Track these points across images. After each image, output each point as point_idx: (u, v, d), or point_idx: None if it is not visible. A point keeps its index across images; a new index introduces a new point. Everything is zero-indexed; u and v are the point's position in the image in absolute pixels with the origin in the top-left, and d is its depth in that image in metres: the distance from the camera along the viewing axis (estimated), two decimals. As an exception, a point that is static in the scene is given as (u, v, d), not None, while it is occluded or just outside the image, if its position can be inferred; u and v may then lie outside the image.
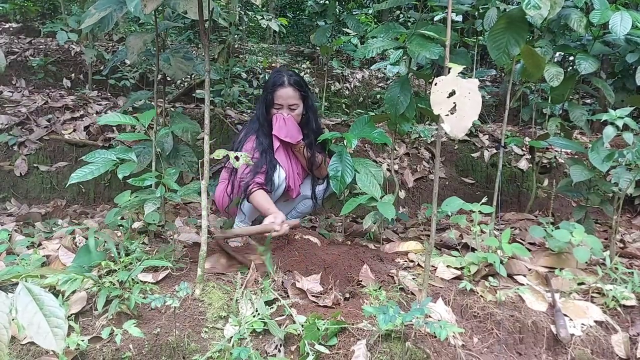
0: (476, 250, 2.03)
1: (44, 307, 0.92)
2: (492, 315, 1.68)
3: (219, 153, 1.70)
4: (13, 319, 0.95)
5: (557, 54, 3.32)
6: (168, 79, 2.74)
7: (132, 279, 1.64)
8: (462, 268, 1.95)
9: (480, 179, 3.81)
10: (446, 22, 1.52)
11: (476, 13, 2.84)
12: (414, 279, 1.88)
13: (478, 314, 1.69)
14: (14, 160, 3.25)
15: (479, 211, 2.07)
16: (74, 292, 1.58)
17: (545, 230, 2.07)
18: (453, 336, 1.56)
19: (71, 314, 1.53)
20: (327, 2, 4.98)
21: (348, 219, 3.01)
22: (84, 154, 2.16)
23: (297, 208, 2.73)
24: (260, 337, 1.54)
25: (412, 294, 1.79)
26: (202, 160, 1.72)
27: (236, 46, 5.89)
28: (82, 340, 1.43)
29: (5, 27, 6.47)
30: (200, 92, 4.32)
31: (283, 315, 1.61)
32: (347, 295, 1.82)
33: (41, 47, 5.39)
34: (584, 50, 2.59)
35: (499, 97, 5.34)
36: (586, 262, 1.96)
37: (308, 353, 1.44)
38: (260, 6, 5.67)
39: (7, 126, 3.36)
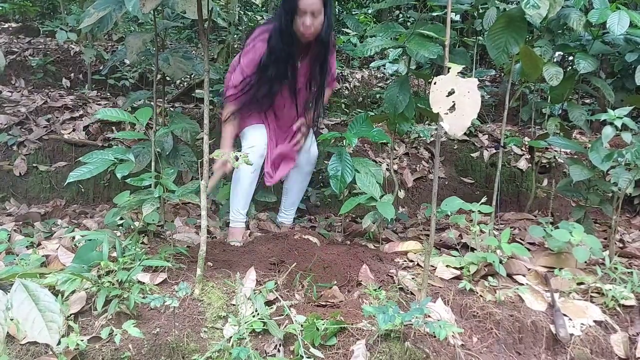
0: (475, 250, 2.03)
1: (39, 303, 0.92)
2: (492, 315, 1.68)
3: (218, 153, 1.70)
4: (11, 319, 0.94)
5: (557, 53, 3.31)
6: (167, 78, 2.73)
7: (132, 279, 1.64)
8: (461, 268, 1.95)
9: (480, 178, 3.80)
10: (445, 21, 1.52)
11: (475, 13, 2.84)
12: (413, 278, 1.88)
13: (477, 313, 1.69)
14: (14, 160, 3.25)
15: (479, 211, 2.07)
16: (73, 292, 1.58)
17: (545, 230, 2.07)
18: (452, 336, 1.56)
19: (70, 314, 1.53)
20: (326, 2, 4.97)
21: (347, 219, 3.01)
22: (84, 153, 2.16)
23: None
24: (260, 337, 1.54)
25: (412, 293, 1.79)
26: (201, 160, 1.72)
27: (236, 46, 5.87)
28: (82, 340, 1.43)
29: (5, 27, 6.45)
30: (200, 92, 4.31)
31: (282, 315, 1.60)
32: (346, 295, 1.82)
33: (40, 46, 5.37)
34: (583, 50, 2.59)
35: (498, 97, 5.33)
36: (585, 262, 1.97)
37: (302, 356, 1.44)
38: (260, 6, 5.66)
39: (6, 126, 3.36)
